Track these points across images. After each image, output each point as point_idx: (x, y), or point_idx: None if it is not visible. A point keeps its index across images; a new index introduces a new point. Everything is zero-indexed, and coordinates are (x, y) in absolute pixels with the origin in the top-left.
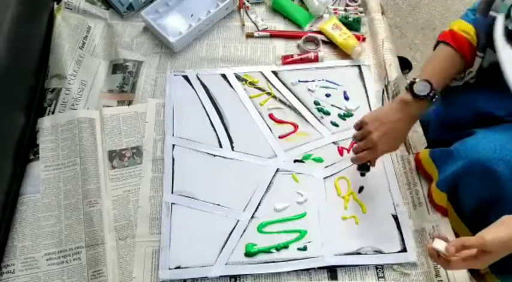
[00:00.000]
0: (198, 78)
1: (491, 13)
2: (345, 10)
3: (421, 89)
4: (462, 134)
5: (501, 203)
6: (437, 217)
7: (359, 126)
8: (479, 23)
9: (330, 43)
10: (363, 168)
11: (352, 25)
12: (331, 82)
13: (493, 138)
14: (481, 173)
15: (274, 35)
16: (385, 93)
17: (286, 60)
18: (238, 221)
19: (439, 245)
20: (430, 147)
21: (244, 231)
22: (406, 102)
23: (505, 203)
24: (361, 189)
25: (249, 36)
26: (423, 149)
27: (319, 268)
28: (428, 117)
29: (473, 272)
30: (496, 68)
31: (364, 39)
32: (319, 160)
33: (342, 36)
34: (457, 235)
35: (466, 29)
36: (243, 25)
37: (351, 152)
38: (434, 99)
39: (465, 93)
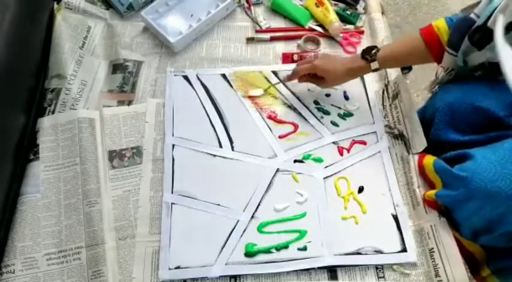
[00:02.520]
0: (198, 78)
1: (472, 16)
2: (344, 7)
3: (369, 51)
4: (463, 143)
5: (507, 218)
6: (434, 217)
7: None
8: (459, 22)
9: (330, 43)
10: None
11: (348, 18)
12: None
13: (493, 158)
14: (484, 197)
15: (275, 39)
16: (385, 93)
17: (286, 60)
18: (238, 221)
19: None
20: (432, 149)
21: (244, 231)
22: (355, 57)
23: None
24: (361, 189)
25: (250, 40)
26: (428, 156)
27: (319, 268)
28: (432, 117)
29: (474, 274)
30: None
31: (362, 33)
32: (319, 160)
33: (323, 11)
34: (456, 237)
35: (439, 25)
36: (257, 23)
37: (350, 152)
38: (371, 62)
39: (468, 90)
